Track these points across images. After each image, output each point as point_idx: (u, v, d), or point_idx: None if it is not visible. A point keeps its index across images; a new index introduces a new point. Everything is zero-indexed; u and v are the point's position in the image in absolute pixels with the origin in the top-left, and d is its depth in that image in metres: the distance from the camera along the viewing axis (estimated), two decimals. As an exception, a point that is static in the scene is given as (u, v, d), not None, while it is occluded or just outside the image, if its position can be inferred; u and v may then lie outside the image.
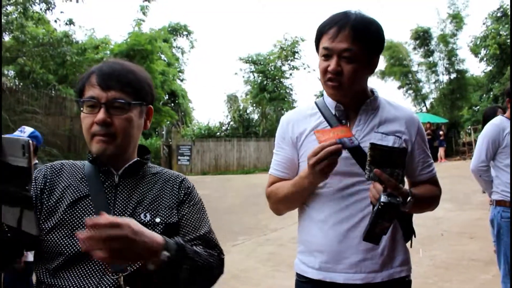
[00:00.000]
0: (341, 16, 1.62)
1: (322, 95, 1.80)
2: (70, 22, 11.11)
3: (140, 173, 1.46)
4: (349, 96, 1.69)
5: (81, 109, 1.40)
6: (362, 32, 1.59)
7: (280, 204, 1.85)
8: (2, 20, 9.60)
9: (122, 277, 1.24)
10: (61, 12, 13.48)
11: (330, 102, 1.75)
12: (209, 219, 1.50)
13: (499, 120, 3.35)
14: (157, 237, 1.14)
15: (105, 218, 1.02)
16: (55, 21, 10.90)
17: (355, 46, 1.58)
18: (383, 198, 1.43)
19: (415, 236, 1.83)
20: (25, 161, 0.95)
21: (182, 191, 1.47)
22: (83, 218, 1.30)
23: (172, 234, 1.35)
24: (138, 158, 1.46)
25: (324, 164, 1.50)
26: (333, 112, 1.72)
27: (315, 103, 1.80)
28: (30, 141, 0.95)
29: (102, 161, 1.41)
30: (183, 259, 1.19)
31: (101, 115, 1.34)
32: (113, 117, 1.36)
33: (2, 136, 0.98)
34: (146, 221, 1.34)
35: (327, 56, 1.63)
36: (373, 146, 1.50)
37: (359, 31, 1.58)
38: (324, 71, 1.64)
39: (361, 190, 1.62)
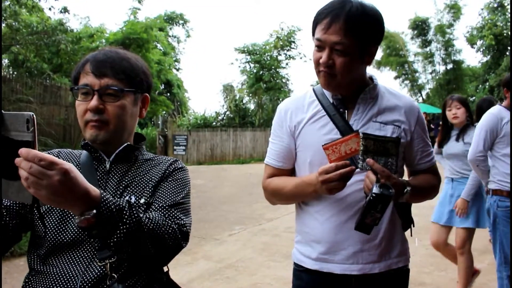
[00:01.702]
0: (337, 5, 1.55)
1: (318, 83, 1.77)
2: (65, 10, 10.95)
3: (132, 160, 1.46)
4: (342, 88, 1.65)
5: (76, 97, 1.41)
6: (356, 25, 1.52)
7: (277, 199, 1.84)
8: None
9: (108, 265, 1.24)
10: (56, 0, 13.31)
11: (328, 93, 1.71)
12: (184, 196, 1.41)
13: (497, 110, 3.36)
14: (92, 192, 1.05)
15: (35, 152, 0.94)
16: (50, 9, 10.74)
17: (347, 39, 1.52)
18: (375, 189, 1.42)
19: (413, 226, 1.82)
20: (30, 135, 0.95)
21: (170, 169, 1.46)
22: None
23: None
24: (129, 143, 1.45)
25: (334, 185, 1.50)
26: (331, 100, 1.69)
27: (313, 90, 1.77)
28: (34, 116, 0.95)
29: (94, 148, 1.42)
30: (119, 220, 1.10)
31: (93, 102, 1.35)
32: (106, 104, 1.38)
33: (5, 112, 0.97)
34: (132, 203, 1.32)
35: (319, 47, 1.59)
36: (365, 136, 1.48)
37: (353, 23, 1.51)
38: (317, 62, 1.61)
39: (357, 181, 1.59)
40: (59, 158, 1.40)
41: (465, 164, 3.81)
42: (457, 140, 4.00)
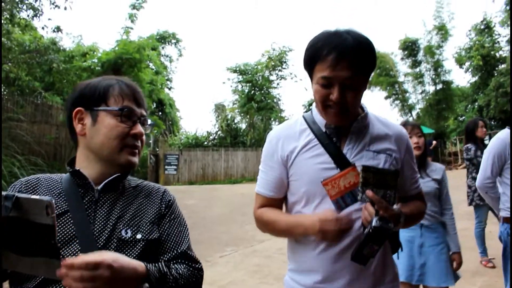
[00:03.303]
0: (336, 40, 1.51)
1: (310, 105, 1.75)
2: (58, 29, 10.98)
3: (120, 188, 1.44)
4: (348, 120, 1.65)
5: (113, 117, 1.39)
6: (362, 58, 1.52)
7: (268, 231, 1.82)
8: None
9: None
10: (49, 19, 13.33)
11: (320, 120, 1.69)
12: (188, 232, 1.52)
13: (505, 134, 3.20)
14: (139, 268, 1.17)
15: (81, 259, 1.04)
16: (43, 28, 10.76)
17: (356, 73, 1.51)
18: (374, 222, 1.42)
19: (401, 250, 1.83)
20: (50, 219, 0.99)
21: (164, 204, 1.48)
22: (62, 235, 1.27)
23: (153, 250, 1.37)
24: (119, 174, 1.42)
25: (332, 237, 1.54)
26: (323, 129, 1.67)
27: (304, 118, 1.75)
28: (53, 201, 0.99)
29: (83, 174, 1.38)
30: (164, 286, 1.24)
31: (141, 129, 1.43)
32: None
33: (22, 196, 1.01)
34: (127, 237, 1.33)
35: (326, 85, 1.54)
36: (365, 168, 1.48)
37: (359, 57, 1.51)
38: (324, 99, 1.56)
39: (352, 212, 1.58)
40: (38, 185, 1.39)
41: (435, 205, 3.24)
42: (420, 176, 3.02)
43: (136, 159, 1.42)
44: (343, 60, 1.49)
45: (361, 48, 1.52)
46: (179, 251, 1.41)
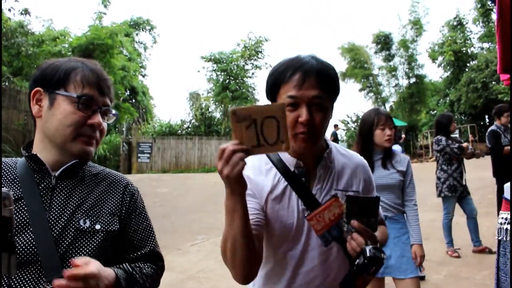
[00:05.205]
0: (299, 62, 1.46)
1: None
2: (26, 11, 10.70)
3: (79, 174, 1.37)
4: (316, 148, 1.56)
5: (71, 103, 1.31)
6: (327, 78, 1.46)
7: (230, 258, 1.36)
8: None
9: None
10: (16, 0, 12.94)
11: (288, 158, 1.56)
12: (152, 226, 1.50)
13: None
14: (110, 276, 1.20)
15: (76, 272, 1.09)
16: (9, 10, 10.47)
17: (322, 93, 1.44)
18: (368, 252, 1.35)
19: None
20: (8, 211, 0.95)
21: (127, 198, 1.42)
22: (15, 223, 1.19)
23: (113, 242, 1.32)
24: (77, 160, 1.35)
25: (229, 169, 1.24)
26: (292, 168, 1.55)
27: (268, 157, 1.59)
28: (11, 193, 0.95)
29: (40, 160, 1.31)
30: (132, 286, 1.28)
31: (99, 119, 1.34)
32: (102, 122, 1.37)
33: None
34: (86, 227, 1.27)
35: (293, 106, 1.44)
36: (350, 198, 1.42)
37: (324, 77, 1.45)
38: (294, 123, 1.44)
39: (332, 248, 1.54)
40: None
41: (398, 197, 3.15)
42: (384, 167, 3.15)
43: (91, 149, 1.34)
44: (309, 79, 1.43)
45: (325, 70, 1.47)
46: (148, 249, 1.42)
